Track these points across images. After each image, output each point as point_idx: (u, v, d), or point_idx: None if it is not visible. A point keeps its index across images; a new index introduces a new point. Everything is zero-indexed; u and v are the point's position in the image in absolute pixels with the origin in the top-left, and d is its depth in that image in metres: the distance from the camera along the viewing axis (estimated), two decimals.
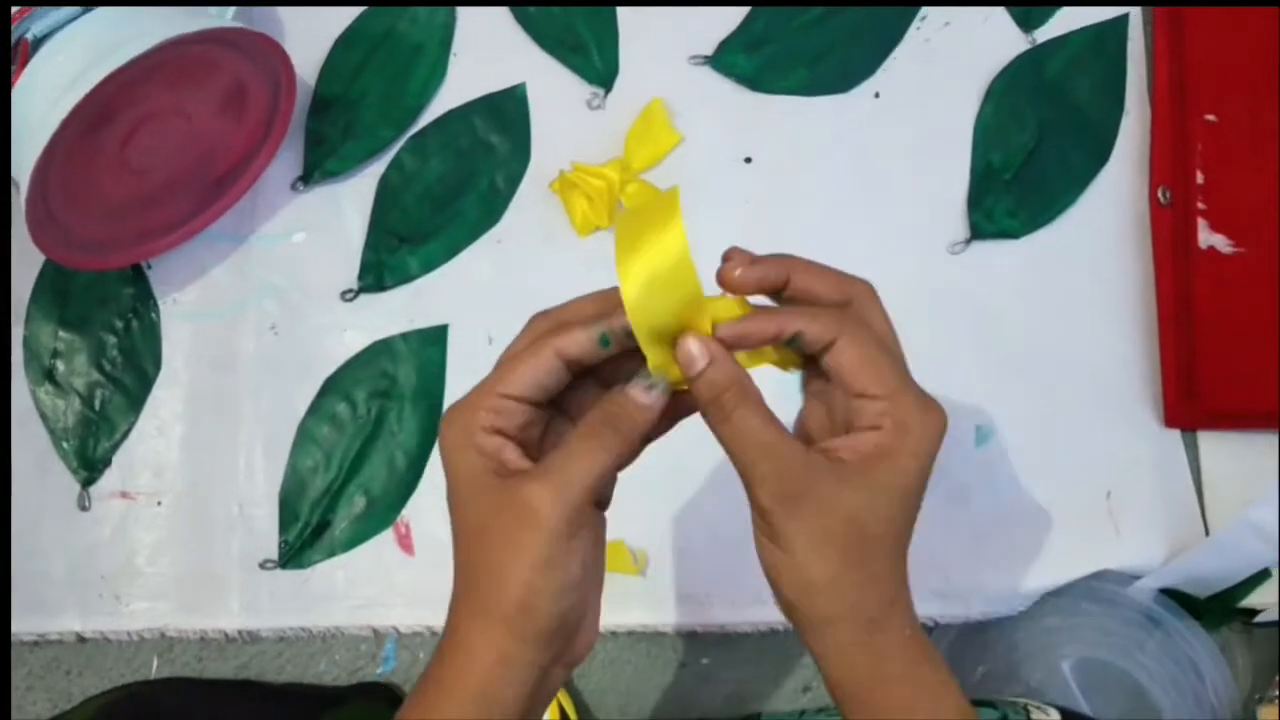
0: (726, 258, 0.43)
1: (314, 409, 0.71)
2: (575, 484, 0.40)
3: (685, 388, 0.42)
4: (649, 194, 0.43)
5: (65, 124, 0.59)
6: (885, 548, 0.42)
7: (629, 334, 0.41)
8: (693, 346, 0.41)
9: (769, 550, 0.42)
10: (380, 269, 0.72)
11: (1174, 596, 0.69)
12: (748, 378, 0.42)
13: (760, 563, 0.43)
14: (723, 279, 0.42)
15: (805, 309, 0.42)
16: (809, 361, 0.43)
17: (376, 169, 0.74)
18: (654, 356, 0.42)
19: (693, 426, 0.44)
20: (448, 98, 0.75)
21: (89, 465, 0.70)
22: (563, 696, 0.66)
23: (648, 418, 0.42)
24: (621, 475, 0.65)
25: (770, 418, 0.42)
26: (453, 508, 0.42)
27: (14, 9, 0.61)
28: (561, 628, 0.41)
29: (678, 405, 0.43)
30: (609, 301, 0.42)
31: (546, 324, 0.43)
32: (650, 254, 0.40)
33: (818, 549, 0.41)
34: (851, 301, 0.43)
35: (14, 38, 0.62)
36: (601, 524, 0.44)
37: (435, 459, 0.70)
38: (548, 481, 0.40)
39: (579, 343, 0.41)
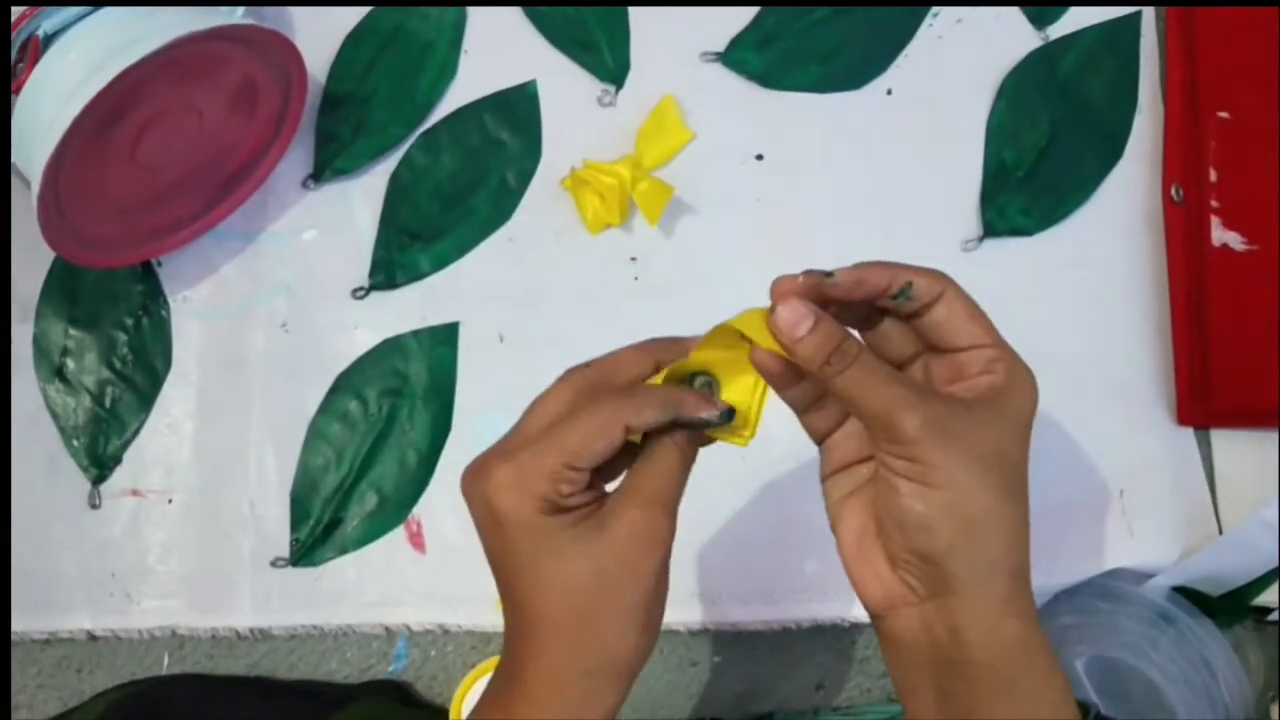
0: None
1: (325, 407, 0.71)
2: (675, 496, 0.43)
3: (743, 437, 0.45)
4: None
5: (76, 122, 0.59)
6: (1025, 488, 0.42)
7: (690, 424, 0.43)
8: (790, 312, 0.42)
9: (920, 495, 0.40)
10: (391, 267, 0.72)
11: (1187, 595, 0.68)
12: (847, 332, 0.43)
13: (899, 522, 0.41)
14: (828, 286, 0.43)
15: (912, 266, 0.43)
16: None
17: (387, 166, 0.74)
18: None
19: None
20: (458, 95, 0.75)
21: (100, 463, 0.70)
22: None
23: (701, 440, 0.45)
24: None
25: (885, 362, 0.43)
26: (535, 562, 0.41)
27: (25, 7, 0.61)
28: (658, 637, 0.44)
29: None
30: (655, 358, 0.44)
31: (590, 380, 0.43)
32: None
33: (978, 477, 0.40)
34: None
35: (24, 35, 0.62)
36: None
37: (447, 456, 0.70)
38: (655, 503, 0.42)
39: (647, 421, 0.42)
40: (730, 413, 0.44)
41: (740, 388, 0.45)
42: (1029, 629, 0.41)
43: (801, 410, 0.46)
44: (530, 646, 0.42)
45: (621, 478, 0.44)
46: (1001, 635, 0.41)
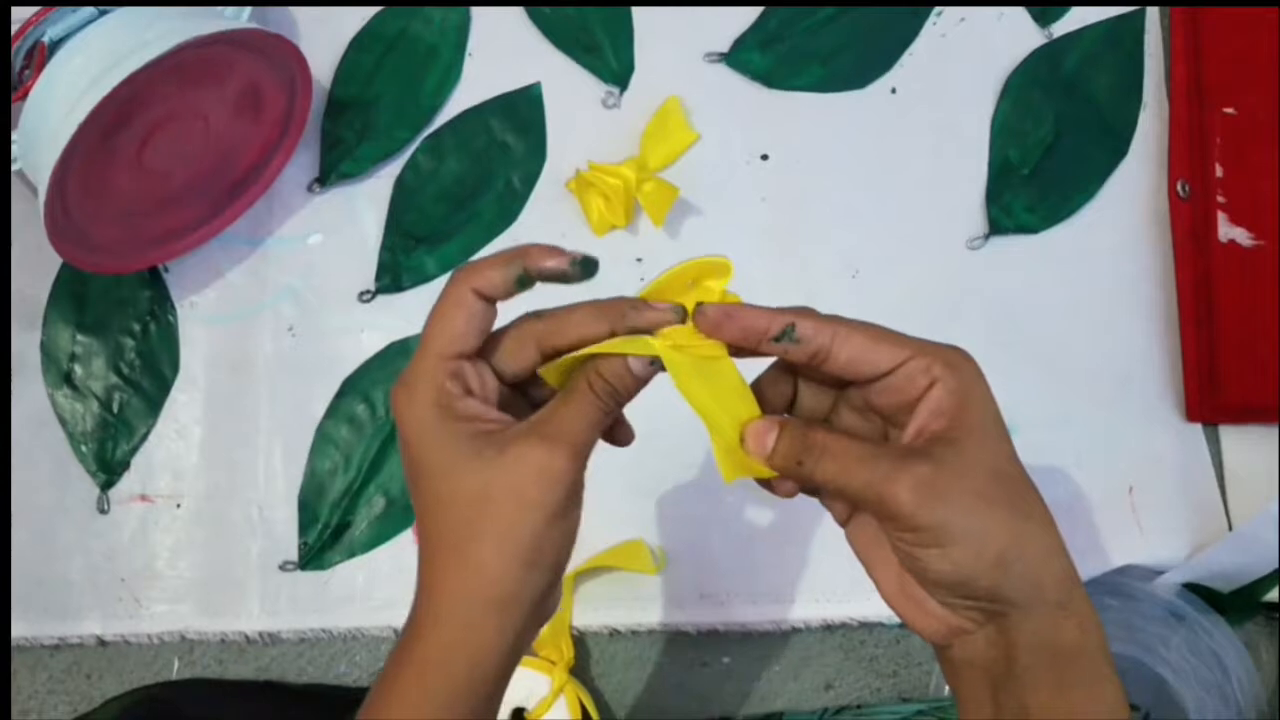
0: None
1: (332, 410, 0.71)
2: (584, 441, 0.41)
3: (768, 474, 0.43)
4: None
5: (83, 127, 0.59)
6: (1030, 489, 0.40)
7: (540, 274, 0.42)
8: (757, 429, 0.42)
9: (941, 557, 0.39)
10: (397, 270, 0.72)
11: (1198, 591, 0.68)
12: (814, 422, 0.43)
13: (934, 581, 0.40)
14: (697, 315, 0.42)
15: (795, 309, 0.42)
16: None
17: (392, 170, 0.74)
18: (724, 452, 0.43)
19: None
20: (463, 98, 0.75)
21: (108, 468, 0.70)
22: (584, 695, 0.66)
23: (639, 387, 0.42)
24: (642, 475, 0.65)
25: (857, 438, 0.42)
26: (430, 479, 0.41)
27: (33, 11, 0.61)
28: (554, 583, 0.42)
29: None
30: (610, 324, 0.42)
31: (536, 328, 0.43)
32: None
33: (988, 517, 0.39)
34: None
35: (30, 42, 0.62)
36: None
37: None
38: (560, 439, 0.40)
39: (493, 281, 0.42)
40: (586, 263, 0.43)
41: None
42: (1084, 630, 0.40)
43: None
44: (422, 573, 0.42)
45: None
46: (1059, 641, 0.40)
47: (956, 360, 0.41)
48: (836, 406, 0.45)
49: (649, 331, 0.42)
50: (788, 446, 0.41)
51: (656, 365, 0.42)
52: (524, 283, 0.42)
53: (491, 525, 0.40)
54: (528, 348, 0.43)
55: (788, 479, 0.43)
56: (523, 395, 0.45)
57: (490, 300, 0.42)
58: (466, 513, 0.40)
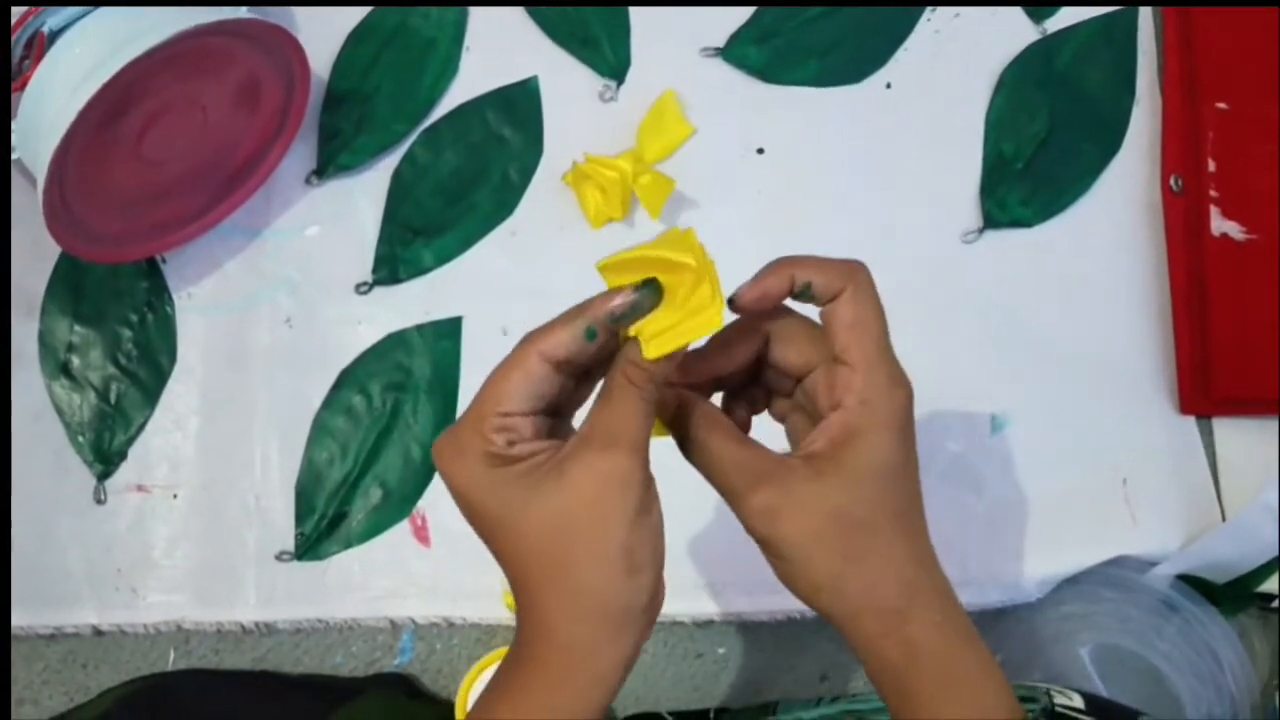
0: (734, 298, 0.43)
1: (329, 401, 0.71)
2: (637, 435, 0.40)
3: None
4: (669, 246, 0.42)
5: (81, 116, 0.59)
6: (884, 534, 0.42)
7: (610, 315, 0.40)
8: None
9: (772, 561, 0.43)
10: (394, 262, 0.73)
11: (1191, 582, 0.68)
12: (712, 405, 0.44)
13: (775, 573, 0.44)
14: (736, 306, 0.43)
15: (815, 261, 0.42)
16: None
17: (390, 163, 0.74)
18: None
19: None
20: (460, 92, 0.75)
21: (105, 459, 0.70)
22: None
23: (673, 365, 0.42)
24: None
25: (736, 436, 0.43)
26: (501, 528, 0.40)
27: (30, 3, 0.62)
28: (657, 581, 0.41)
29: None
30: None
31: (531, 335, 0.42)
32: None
33: (812, 551, 0.41)
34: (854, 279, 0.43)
35: (29, 32, 0.62)
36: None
37: None
38: (614, 442, 0.40)
39: (562, 341, 0.41)
40: (651, 286, 0.40)
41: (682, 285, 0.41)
42: (911, 653, 0.42)
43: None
44: (522, 606, 0.41)
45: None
46: (884, 659, 0.42)
47: (877, 399, 0.41)
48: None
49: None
50: (677, 423, 0.44)
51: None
52: (593, 334, 0.41)
53: (580, 547, 0.40)
54: (528, 364, 0.41)
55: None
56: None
57: (556, 363, 0.41)
58: (549, 545, 0.40)
